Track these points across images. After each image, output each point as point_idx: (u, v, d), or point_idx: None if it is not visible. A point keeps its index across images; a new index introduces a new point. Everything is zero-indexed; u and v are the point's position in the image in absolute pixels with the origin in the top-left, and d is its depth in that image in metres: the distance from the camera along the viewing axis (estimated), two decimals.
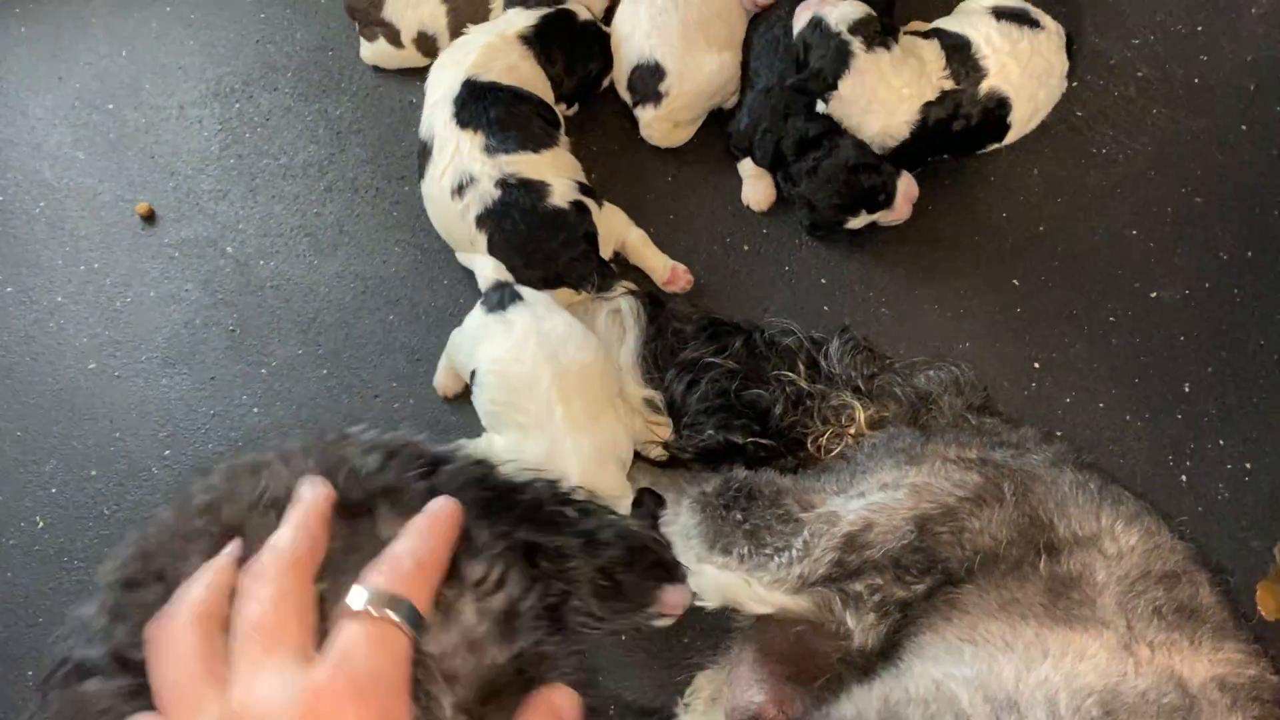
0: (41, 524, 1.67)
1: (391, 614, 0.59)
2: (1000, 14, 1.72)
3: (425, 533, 0.66)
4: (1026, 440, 1.39)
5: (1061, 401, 1.64)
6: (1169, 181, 1.77)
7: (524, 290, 1.57)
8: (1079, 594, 1.10)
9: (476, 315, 1.59)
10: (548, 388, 1.48)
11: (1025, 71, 1.69)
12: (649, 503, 1.45)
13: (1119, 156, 1.79)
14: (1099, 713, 0.97)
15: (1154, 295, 1.70)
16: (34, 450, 1.72)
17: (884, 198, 1.68)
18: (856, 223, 1.69)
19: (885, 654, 1.20)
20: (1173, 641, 1.06)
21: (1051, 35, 1.72)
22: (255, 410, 1.74)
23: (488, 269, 1.62)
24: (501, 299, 1.57)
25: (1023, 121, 1.74)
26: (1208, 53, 1.85)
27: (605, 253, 1.70)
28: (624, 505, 1.45)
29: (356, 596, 0.60)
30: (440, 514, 0.67)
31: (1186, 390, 1.64)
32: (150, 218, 1.86)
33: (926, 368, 1.53)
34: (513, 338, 1.52)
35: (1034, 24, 1.72)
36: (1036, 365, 1.67)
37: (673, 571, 0.85)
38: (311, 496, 0.66)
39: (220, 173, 1.89)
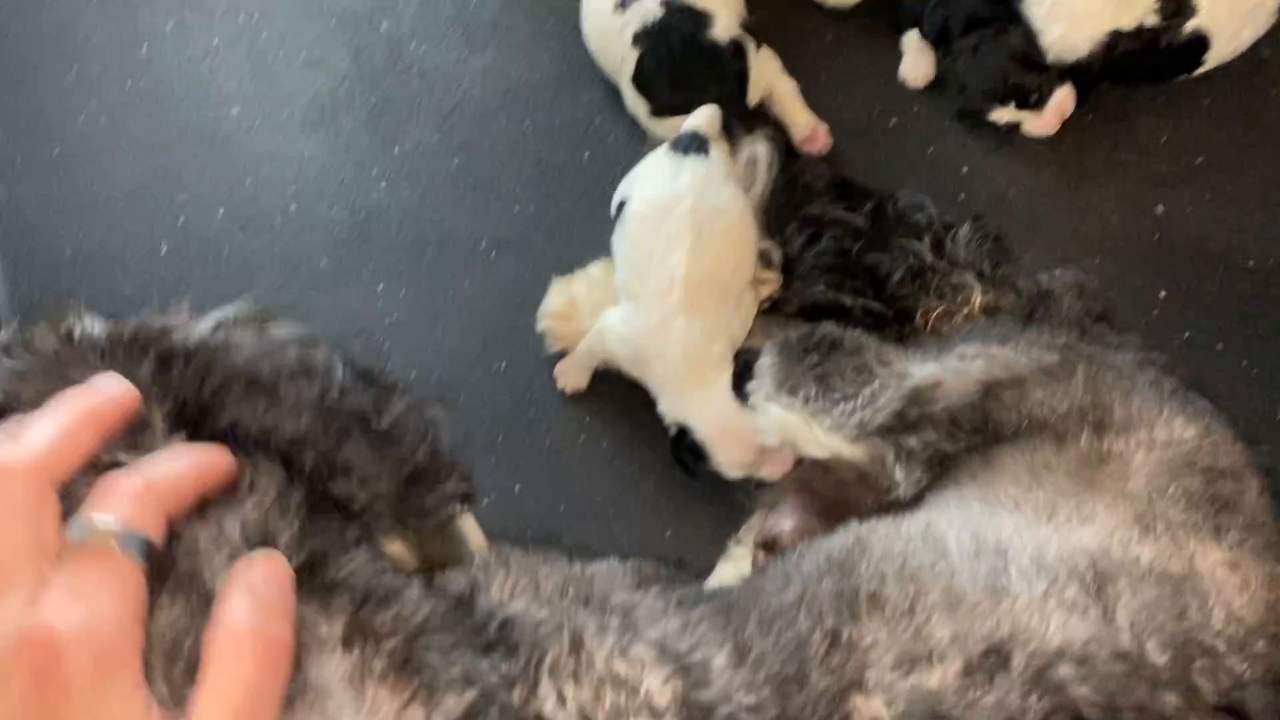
0: (165, 250, 1.74)
1: (120, 547, 0.54)
2: None
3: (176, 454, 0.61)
4: (1128, 344, 1.38)
5: (1179, 335, 1.61)
6: None
7: (715, 151, 1.53)
8: (1111, 468, 1.09)
9: (658, 150, 1.58)
10: (676, 263, 1.46)
11: (1232, 10, 1.61)
12: (742, 362, 1.46)
13: None
14: (1085, 565, 0.96)
15: None
16: (169, 179, 1.78)
17: (1036, 99, 1.63)
18: (1001, 115, 1.65)
19: (910, 505, 1.22)
20: (1194, 523, 1.03)
21: None
22: (383, 185, 1.77)
23: (700, 118, 1.57)
24: (689, 144, 1.53)
25: (1219, 59, 1.67)
26: None
27: (752, 97, 1.69)
28: (722, 384, 1.46)
29: (80, 527, 0.54)
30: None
31: None
32: None
33: (1054, 267, 1.51)
34: (674, 187, 1.50)
35: None
36: (1162, 294, 1.63)
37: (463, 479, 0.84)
38: (103, 391, 0.61)
39: None
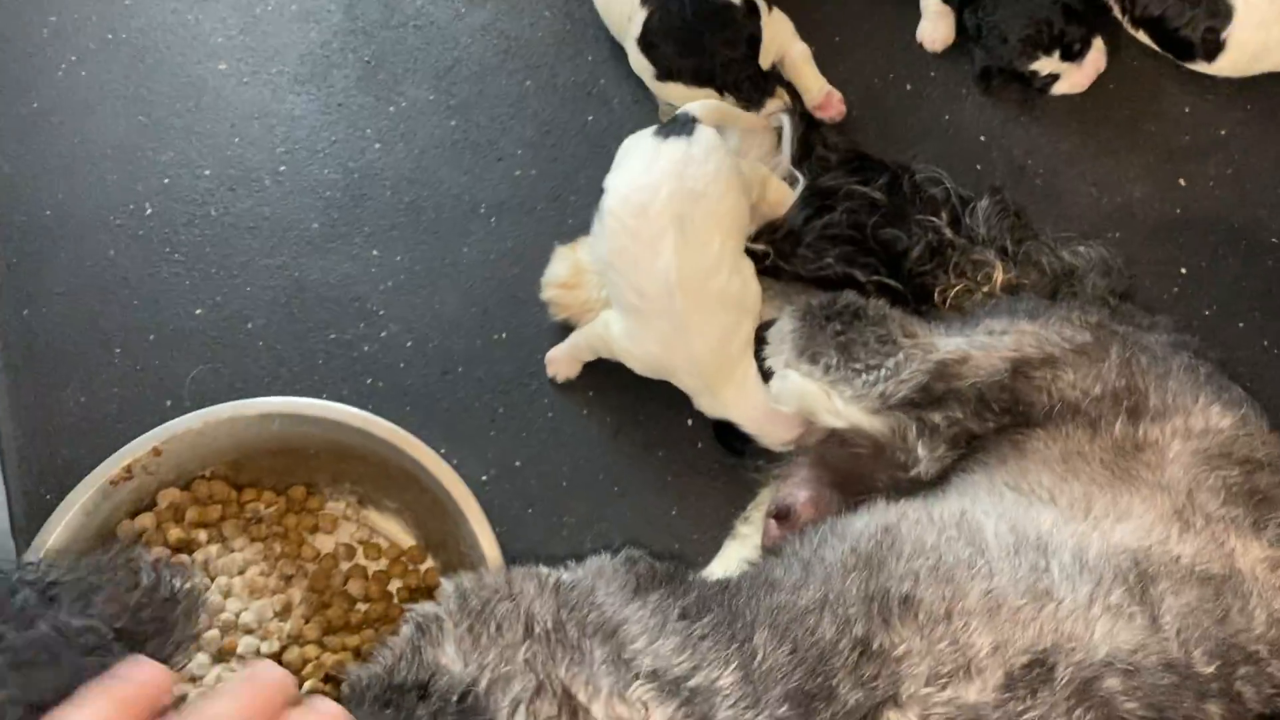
0: (150, 210, 1.66)
1: None
2: None
3: None
4: (1157, 326, 1.34)
5: (1200, 313, 1.57)
6: None
7: (701, 129, 1.42)
8: (1147, 457, 1.06)
9: (643, 132, 1.48)
10: (667, 265, 1.36)
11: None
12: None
13: None
14: (1128, 565, 0.93)
15: None
16: (153, 137, 1.70)
17: (1079, 49, 1.58)
18: (1042, 65, 1.59)
19: (933, 484, 1.18)
20: (1234, 518, 1.01)
21: None
22: (377, 146, 1.70)
23: (699, 106, 1.48)
24: (674, 127, 1.43)
25: (1246, 51, 1.59)
26: None
27: (764, 61, 1.62)
28: (751, 375, 1.40)
29: None
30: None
31: None
32: None
33: (1077, 243, 1.47)
34: (649, 177, 1.39)
35: None
36: (1183, 271, 1.59)
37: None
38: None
39: None
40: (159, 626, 0.74)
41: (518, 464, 1.54)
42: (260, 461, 1.44)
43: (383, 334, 1.61)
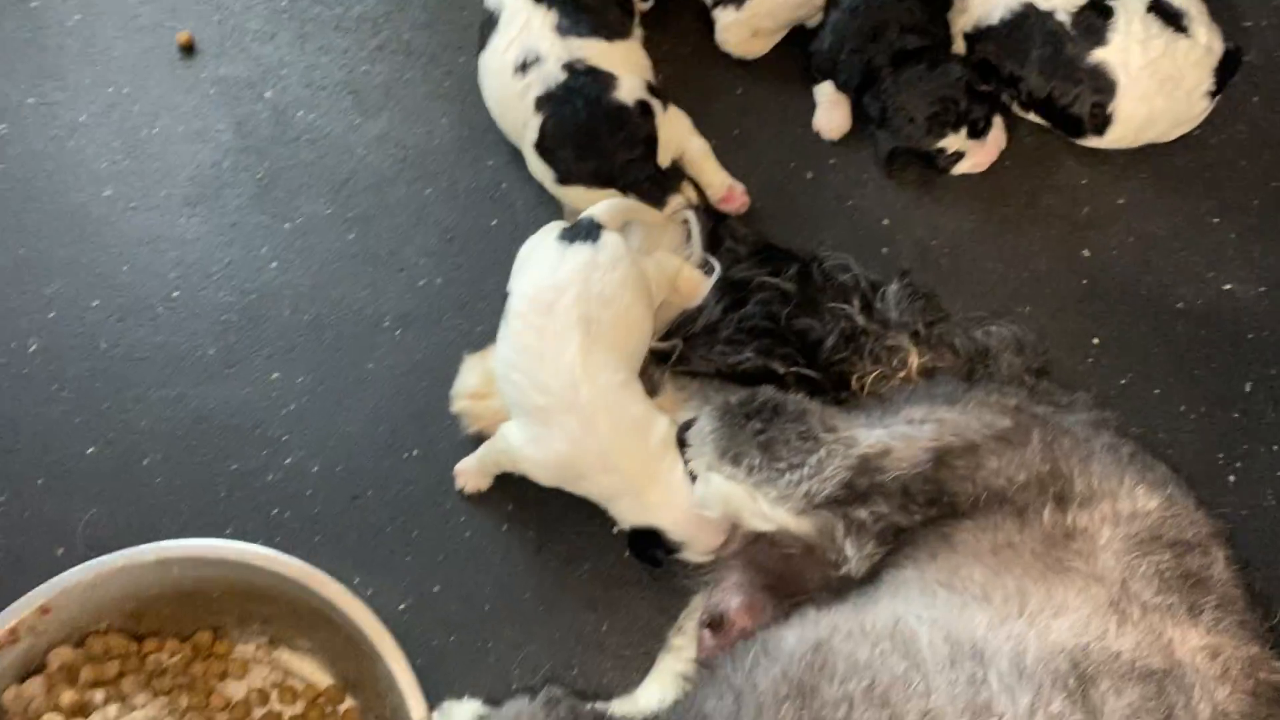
0: (34, 347, 1.59)
1: None
2: (1153, 6, 1.62)
3: None
4: (1076, 403, 1.34)
5: (1116, 382, 1.57)
6: (1260, 173, 1.69)
7: (606, 235, 1.41)
8: (1078, 546, 1.05)
9: (545, 234, 1.46)
10: (572, 361, 1.34)
11: (1148, 67, 1.58)
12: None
13: (1212, 140, 1.71)
14: (1067, 667, 0.91)
15: (1227, 287, 1.63)
16: (37, 270, 1.63)
17: (983, 126, 1.61)
18: (949, 143, 1.61)
19: (864, 581, 1.15)
20: (1169, 605, 1.00)
21: (1196, 47, 1.60)
22: (274, 265, 1.65)
23: (601, 209, 1.46)
24: (576, 232, 1.42)
25: (1132, 124, 1.63)
26: None
27: (663, 159, 1.61)
28: (678, 474, 1.34)
29: None
30: None
31: (1247, 390, 1.57)
32: (189, 49, 1.77)
33: (989, 323, 1.46)
34: (556, 276, 1.38)
35: (1182, 29, 1.61)
36: (1095, 341, 1.59)
37: None
38: None
39: (270, 14, 1.79)
40: None
41: (436, 589, 1.47)
42: (161, 609, 1.35)
43: (287, 461, 1.54)
